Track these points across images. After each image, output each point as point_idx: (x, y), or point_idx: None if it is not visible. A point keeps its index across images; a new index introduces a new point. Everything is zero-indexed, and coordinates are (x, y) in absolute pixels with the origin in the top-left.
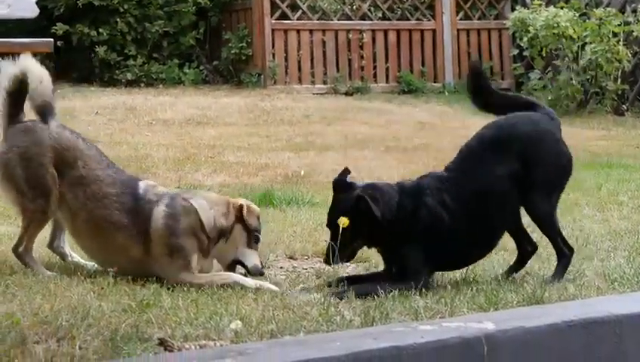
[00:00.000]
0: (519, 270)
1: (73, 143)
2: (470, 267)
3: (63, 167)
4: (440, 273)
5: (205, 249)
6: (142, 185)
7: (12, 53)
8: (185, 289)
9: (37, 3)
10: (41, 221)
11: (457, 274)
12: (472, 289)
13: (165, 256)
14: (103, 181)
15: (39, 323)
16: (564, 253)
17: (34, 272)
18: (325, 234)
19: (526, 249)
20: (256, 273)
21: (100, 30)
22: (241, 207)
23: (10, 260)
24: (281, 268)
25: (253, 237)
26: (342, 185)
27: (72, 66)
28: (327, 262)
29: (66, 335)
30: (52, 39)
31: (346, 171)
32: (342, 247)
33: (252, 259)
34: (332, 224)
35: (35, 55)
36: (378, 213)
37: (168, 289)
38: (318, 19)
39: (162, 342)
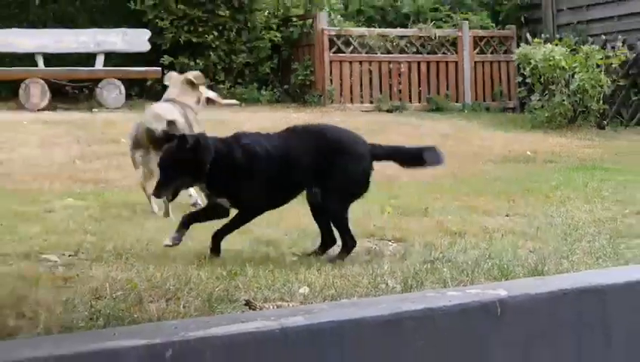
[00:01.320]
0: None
1: None
2: (487, 246)
3: None
4: (464, 250)
5: None
6: None
7: (129, 79)
8: (264, 262)
9: (149, 40)
10: None
11: (476, 251)
12: (488, 264)
13: None
14: None
15: (152, 287)
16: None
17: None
18: (372, 219)
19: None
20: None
21: (197, 61)
22: None
23: (130, 238)
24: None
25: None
26: (169, 137)
27: None
28: (156, 195)
29: (172, 296)
30: (160, 68)
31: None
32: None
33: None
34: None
35: (146, 80)
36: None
37: (251, 262)
38: (366, 53)
39: (247, 303)
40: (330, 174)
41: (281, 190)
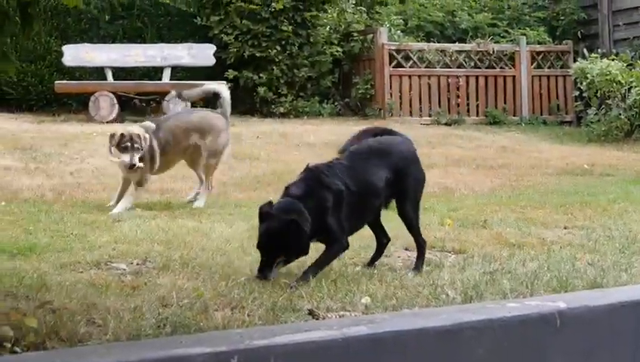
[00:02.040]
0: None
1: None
2: (545, 258)
3: None
4: (523, 262)
5: None
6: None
7: None
8: (326, 272)
9: (214, 54)
10: None
11: (535, 263)
12: (547, 276)
13: None
14: None
15: (218, 296)
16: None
17: None
18: (432, 231)
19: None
20: (128, 166)
21: (261, 75)
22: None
23: (195, 247)
24: (399, 257)
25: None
26: (267, 213)
27: (239, 102)
28: (259, 277)
29: (237, 305)
30: (225, 81)
31: (270, 203)
32: (271, 262)
33: (124, 158)
34: (263, 246)
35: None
36: (307, 227)
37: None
38: (425, 67)
39: (310, 312)
40: (404, 184)
41: (366, 214)
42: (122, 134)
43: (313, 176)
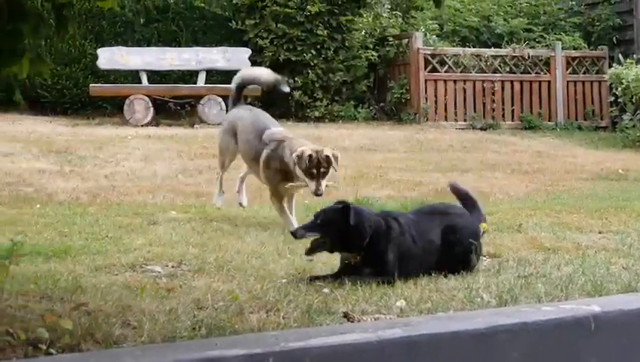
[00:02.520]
0: None
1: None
2: (580, 262)
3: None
4: (557, 266)
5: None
6: (267, 132)
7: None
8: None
9: (249, 58)
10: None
11: (570, 268)
12: (581, 280)
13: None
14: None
15: (252, 299)
16: None
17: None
18: None
19: None
20: (313, 194)
21: (296, 79)
22: (292, 159)
23: (230, 250)
24: None
25: (308, 172)
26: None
27: (275, 105)
28: (293, 232)
29: (272, 308)
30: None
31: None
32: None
33: (310, 185)
34: (317, 215)
35: (247, 98)
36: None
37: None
38: (460, 72)
39: (346, 315)
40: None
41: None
42: (310, 156)
43: (387, 214)
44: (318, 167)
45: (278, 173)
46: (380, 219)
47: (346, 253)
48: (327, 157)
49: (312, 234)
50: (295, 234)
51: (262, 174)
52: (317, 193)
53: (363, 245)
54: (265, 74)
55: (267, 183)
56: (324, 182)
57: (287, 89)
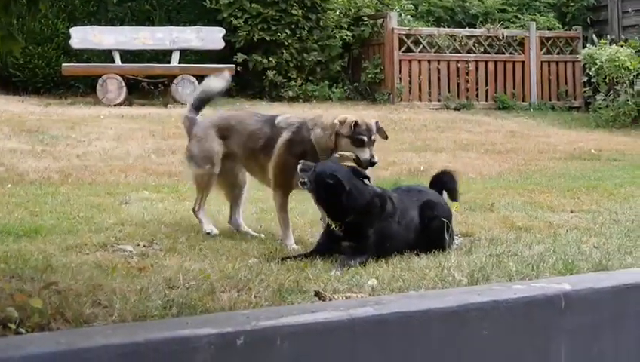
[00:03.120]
0: None
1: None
2: (551, 241)
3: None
4: (529, 245)
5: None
6: (279, 117)
7: (204, 76)
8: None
9: (223, 38)
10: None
11: (541, 246)
12: (553, 259)
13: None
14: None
15: (224, 278)
16: None
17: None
18: None
19: None
20: (366, 164)
21: (270, 59)
22: (333, 124)
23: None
24: None
25: (354, 141)
26: None
27: (249, 86)
28: None
29: (244, 287)
30: (234, 65)
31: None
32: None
33: (362, 154)
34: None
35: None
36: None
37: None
38: (434, 52)
39: (317, 294)
40: None
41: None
42: (357, 122)
43: (383, 192)
44: (368, 133)
45: (296, 162)
46: (375, 199)
47: (330, 218)
48: (376, 122)
49: (305, 176)
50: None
51: (275, 164)
52: (372, 161)
53: (345, 219)
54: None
55: (278, 174)
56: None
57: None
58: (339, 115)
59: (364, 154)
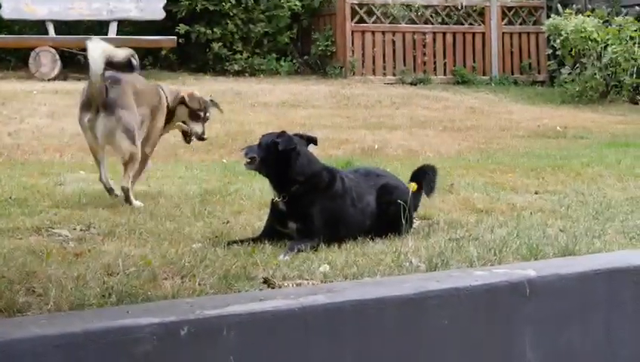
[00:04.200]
0: None
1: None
2: (515, 224)
3: None
4: (491, 229)
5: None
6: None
7: (143, 48)
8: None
9: (164, 8)
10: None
11: (504, 230)
12: (516, 243)
13: None
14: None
15: (166, 264)
16: None
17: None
18: None
19: None
20: (197, 137)
21: (214, 30)
22: (182, 96)
23: (143, 212)
24: None
25: (194, 115)
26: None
27: (191, 59)
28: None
29: (187, 273)
30: (175, 37)
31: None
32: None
33: (195, 128)
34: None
35: (161, 49)
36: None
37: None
38: (389, 23)
39: (266, 281)
40: None
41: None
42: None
43: (334, 169)
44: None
45: None
46: (324, 172)
47: (275, 189)
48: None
49: (252, 154)
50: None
51: None
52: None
53: (290, 188)
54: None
55: None
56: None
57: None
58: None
59: (197, 128)
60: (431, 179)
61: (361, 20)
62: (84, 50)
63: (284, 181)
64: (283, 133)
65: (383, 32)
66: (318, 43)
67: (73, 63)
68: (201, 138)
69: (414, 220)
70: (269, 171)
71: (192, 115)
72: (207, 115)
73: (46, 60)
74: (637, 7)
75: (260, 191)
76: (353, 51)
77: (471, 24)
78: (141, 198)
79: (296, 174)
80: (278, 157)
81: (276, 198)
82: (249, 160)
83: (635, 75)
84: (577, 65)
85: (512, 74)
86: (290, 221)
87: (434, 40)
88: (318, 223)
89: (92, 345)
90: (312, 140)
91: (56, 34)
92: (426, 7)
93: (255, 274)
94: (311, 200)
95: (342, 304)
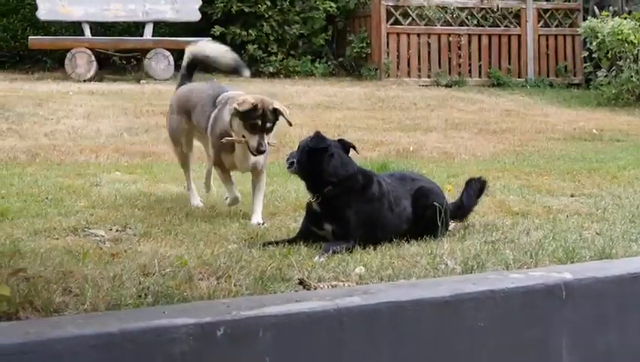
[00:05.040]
0: None
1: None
2: (551, 227)
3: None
4: (527, 231)
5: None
6: (223, 94)
7: (179, 50)
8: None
9: (199, 9)
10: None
11: (540, 233)
12: (552, 246)
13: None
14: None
15: (202, 265)
16: None
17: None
18: None
19: None
20: (254, 151)
21: (249, 31)
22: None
23: (179, 213)
24: None
25: (249, 125)
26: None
27: None
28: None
29: (223, 274)
30: (210, 38)
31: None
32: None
33: (251, 141)
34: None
35: None
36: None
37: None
38: (424, 25)
39: (301, 282)
40: None
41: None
42: (255, 105)
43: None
44: (263, 118)
45: (219, 141)
46: (359, 175)
47: (310, 191)
48: (275, 109)
49: (292, 158)
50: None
51: (210, 142)
52: (258, 150)
53: (323, 190)
54: (223, 55)
55: (213, 152)
56: (267, 138)
57: (247, 74)
58: (240, 97)
59: (252, 142)
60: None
61: (397, 22)
62: (120, 51)
63: (317, 182)
64: (317, 134)
65: (418, 34)
66: (353, 45)
67: (109, 65)
68: None
69: (450, 222)
70: (303, 172)
71: None
72: None
73: (82, 61)
74: None
75: (295, 192)
76: (388, 53)
77: (507, 26)
78: (176, 199)
79: (328, 175)
80: (312, 158)
81: (311, 200)
82: (289, 164)
83: None
84: (613, 67)
85: (548, 76)
86: (325, 222)
87: (469, 42)
88: (354, 225)
89: (129, 345)
90: (352, 146)
91: (92, 35)
92: (462, 9)
93: (291, 275)
94: (345, 201)
95: (377, 306)
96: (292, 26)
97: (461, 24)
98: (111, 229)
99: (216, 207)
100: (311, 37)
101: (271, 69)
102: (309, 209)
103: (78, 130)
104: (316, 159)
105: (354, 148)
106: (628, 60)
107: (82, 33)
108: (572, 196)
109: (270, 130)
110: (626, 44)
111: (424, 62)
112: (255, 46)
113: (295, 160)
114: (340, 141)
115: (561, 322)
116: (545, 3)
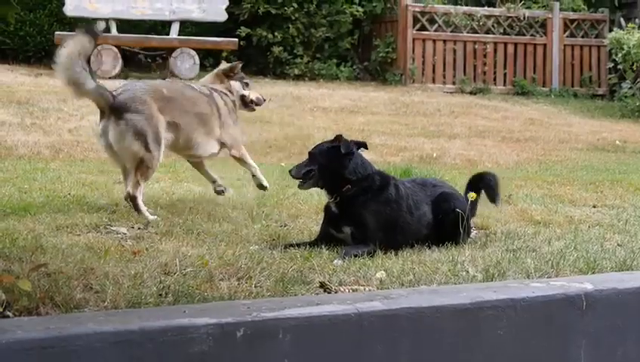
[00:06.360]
0: None
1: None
2: (572, 237)
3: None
4: (548, 241)
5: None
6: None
7: (205, 50)
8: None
9: (226, 9)
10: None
11: (562, 242)
12: (574, 256)
13: None
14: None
15: (223, 265)
16: None
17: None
18: None
19: None
20: (260, 101)
21: (275, 33)
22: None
23: (201, 213)
24: None
25: (242, 83)
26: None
27: (252, 62)
28: (291, 170)
29: (244, 275)
30: (237, 39)
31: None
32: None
33: (252, 94)
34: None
35: (222, 51)
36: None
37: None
38: (450, 32)
39: (322, 285)
40: None
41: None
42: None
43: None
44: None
45: None
46: (376, 176)
47: (329, 193)
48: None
49: (306, 168)
50: (291, 173)
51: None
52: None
53: (342, 189)
54: None
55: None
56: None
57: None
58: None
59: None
60: (492, 187)
61: (423, 28)
62: (146, 49)
63: (336, 183)
64: (340, 137)
65: (444, 41)
66: (378, 49)
67: (134, 62)
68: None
69: (472, 230)
70: (322, 176)
71: None
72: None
73: (108, 58)
74: None
75: (318, 195)
76: (414, 59)
77: (532, 35)
78: (199, 200)
79: (349, 173)
80: (331, 157)
81: (329, 202)
82: (302, 175)
83: None
84: (638, 79)
85: (572, 86)
86: (343, 225)
87: (495, 50)
88: (372, 227)
89: (149, 343)
90: (363, 145)
91: (119, 32)
92: (488, 16)
93: (311, 278)
94: (363, 202)
95: (398, 311)
96: (318, 29)
97: (487, 32)
98: (132, 227)
99: (238, 208)
100: (337, 40)
101: (296, 72)
102: (327, 211)
103: None
104: (335, 157)
105: (365, 146)
106: None
107: (108, 30)
108: (594, 207)
109: None
110: None
111: (449, 68)
112: (280, 48)
113: (313, 168)
114: (353, 141)
115: (580, 332)
116: (571, 13)
